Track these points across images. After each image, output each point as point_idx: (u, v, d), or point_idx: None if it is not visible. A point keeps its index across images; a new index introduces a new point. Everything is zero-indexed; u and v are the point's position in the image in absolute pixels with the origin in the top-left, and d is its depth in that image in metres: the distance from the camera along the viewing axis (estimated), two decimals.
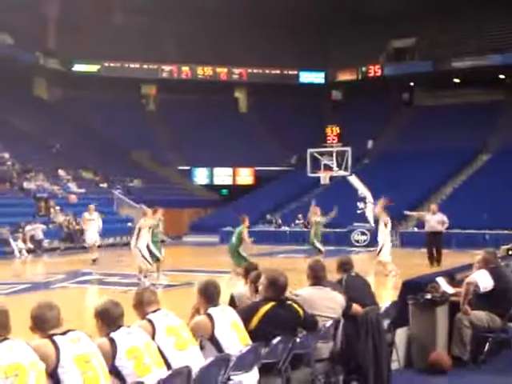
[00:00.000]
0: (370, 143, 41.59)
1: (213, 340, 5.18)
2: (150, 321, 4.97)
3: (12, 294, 14.14)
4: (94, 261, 19.87)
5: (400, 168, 35.00)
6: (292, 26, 42.22)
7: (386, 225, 16.05)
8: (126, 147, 39.96)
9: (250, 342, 5.26)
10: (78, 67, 44.04)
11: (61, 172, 33.32)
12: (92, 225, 20.92)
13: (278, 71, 46.50)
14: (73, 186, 32.43)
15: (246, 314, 5.54)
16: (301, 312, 5.75)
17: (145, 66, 44.92)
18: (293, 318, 5.69)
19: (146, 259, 14.41)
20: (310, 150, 29.05)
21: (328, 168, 28.51)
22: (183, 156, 40.96)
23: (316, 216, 18.02)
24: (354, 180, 27.33)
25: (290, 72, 46.77)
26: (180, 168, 40.86)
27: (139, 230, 14.54)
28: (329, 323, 5.98)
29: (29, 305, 4.47)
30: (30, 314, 4.35)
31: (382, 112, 42.95)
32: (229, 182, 41.57)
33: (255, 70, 46.29)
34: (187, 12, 41.27)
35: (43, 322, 4.32)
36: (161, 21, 42.57)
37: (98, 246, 21.50)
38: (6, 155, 32.38)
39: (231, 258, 15.44)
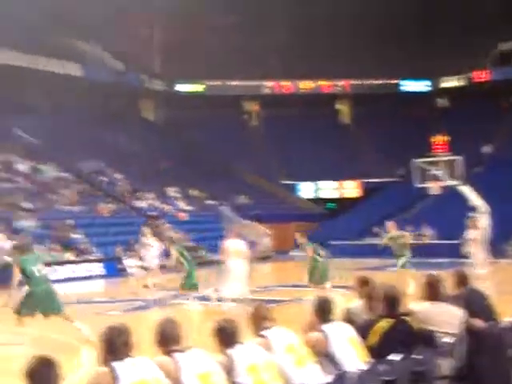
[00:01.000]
0: (484, 149, 40.11)
1: (328, 356, 5.14)
2: (266, 337, 4.98)
3: (129, 311, 14.61)
4: (146, 287, 18.65)
5: None
6: (393, 34, 41.64)
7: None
8: (230, 164, 40.60)
9: (369, 359, 5.17)
10: (182, 87, 45.29)
11: (169, 190, 34.26)
12: (149, 249, 19.72)
13: (381, 81, 45.97)
14: (182, 204, 33.27)
15: (363, 331, 5.46)
16: (418, 328, 5.60)
17: (246, 83, 45.59)
18: (410, 334, 5.55)
19: None
20: (415, 160, 28.45)
21: (436, 178, 27.78)
22: (287, 170, 41.13)
23: (393, 232, 17.35)
24: (465, 189, 26.46)
25: (393, 81, 46.15)
26: (284, 182, 41.05)
27: None
28: (448, 339, 5.78)
29: (146, 322, 4.58)
30: (154, 330, 4.46)
31: (492, 117, 41.46)
32: (335, 195, 41.36)
33: (358, 81, 45.99)
34: (286, 26, 41.59)
35: (165, 339, 4.42)
36: (259, 37, 43.11)
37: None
38: (118, 176, 33.68)
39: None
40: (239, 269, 14.36)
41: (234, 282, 14.24)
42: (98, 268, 24.61)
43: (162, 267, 18.84)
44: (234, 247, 14.62)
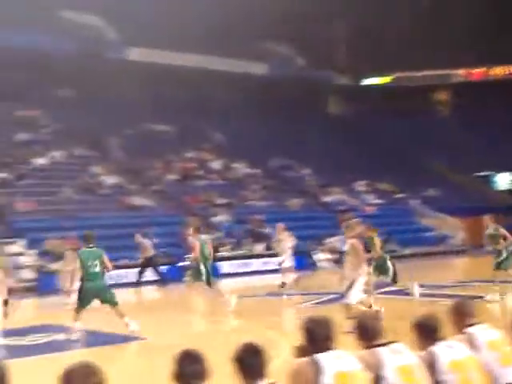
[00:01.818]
0: None
1: None
2: (469, 334, 4.75)
3: (319, 304, 14.71)
4: (283, 285, 18.13)
5: None
6: None
7: None
8: (418, 156, 39.52)
9: None
10: (368, 80, 44.87)
11: (357, 184, 34.10)
12: (281, 246, 18.98)
13: None
14: (370, 198, 32.99)
15: None
16: None
17: (436, 72, 44.14)
18: None
19: None
20: None
21: None
22: (482, 161, 39.20)
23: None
24: None
25: None
26: (477, 174, 39.20)
27: None
28: None
29: (338, 315, 4.53)
30: (356, 324, 4.41)
31: None
32: None
33: None
34: (476, 12, 39.63)
35: (367, 333, 4.35)
36: (448, 22, 41.44)
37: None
38: (306, 171, 34.13)
39: None
40: None
41: None
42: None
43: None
44: None
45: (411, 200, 33.72)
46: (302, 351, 4.20)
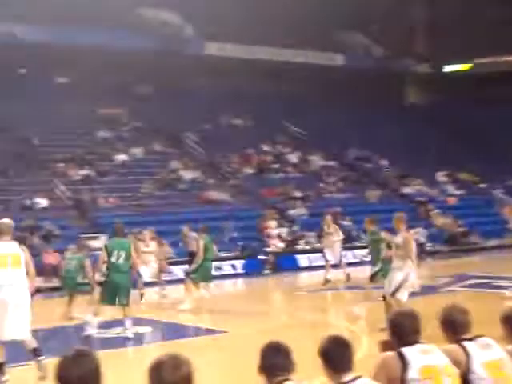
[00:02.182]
0: None
1: None
2: None
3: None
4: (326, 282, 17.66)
5: None
6: None
7: None
8: (502, 144, 38.27)
9: None
10: (447, 68, 43.74)
11: (438, 175, 33.37)
12: (329, 240, 18.29)
13: None
14: (451, 189, 32.24)
15: None
16: None
17: None
18: None
19: None
20: None
21: None
22: None
23: None
24: None
25: None
26: None
27: None
28: None
29: (423, 308, 4.42)
30: (440, 318, 4.31)
31: None
32: None
33: None
34: None
35: (453, 326, 4.23)
36: None
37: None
38: (384, 162, 33.66)
39: None
40: None
41: None
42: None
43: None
44: None
45: (494, 190, 32.73)
46: (388, 345, 4.14)
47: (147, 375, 2.82)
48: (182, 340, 10.80)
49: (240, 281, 21.34)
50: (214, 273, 21.53)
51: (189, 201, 26.38)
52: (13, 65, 31.11)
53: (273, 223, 24.90)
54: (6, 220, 8.79)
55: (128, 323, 10.91)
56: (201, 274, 14.39)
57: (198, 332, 11.47)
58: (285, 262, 23.13)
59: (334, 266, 18.22)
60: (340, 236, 18.14)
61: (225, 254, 22.74)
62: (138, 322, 11.94)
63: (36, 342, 8.43)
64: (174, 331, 11.47)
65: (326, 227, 18.25)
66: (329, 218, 18.44)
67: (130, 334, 10.89)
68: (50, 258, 19.58)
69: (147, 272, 16.32)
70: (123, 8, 31.74)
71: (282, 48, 36.59)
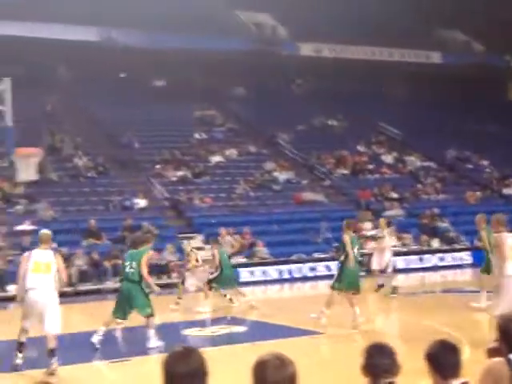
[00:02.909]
0: None
1: None
2: None
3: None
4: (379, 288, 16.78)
5: None
6: None
7: None
8: None
9: None
10: None
11: None
12: (383, 243, 17.20)
13: None
14: None
15: None
16: None
17: None
18: None
19: None
20: None
21: None
22: None
23: None
24: None
25: None
26: None
27: None
28: None
29: None
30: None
31: None
32: None
33: None
34: None
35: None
36: None
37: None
38: (484, 162, 32.54)
39: None
40: None
41: None
42: (466, 257, 24.05)
43: None
44: None
45: None
46: (496, 352, 3.93)
47: (251, 374, 2.77)
48: (278, 340, 10.75)
49: None
50: (308, 274, 21.65)
51: (283, 201, 26.40)
52: (113, 69, 32.14)
53: (368, 224, 24.51)
54: (46, 230, 10.01)
55: (151, 332, 10.67)
56: (222, 282, 14.98)
57: (294, 333, 11.39)
58: None
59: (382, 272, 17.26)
60: (392, 241, 17.36)
61: (319, 255, 22.62)
62: (233, 321, 12.03)
63: (55, 344, 9.12)
64: (269, 331, 11.44)
65: (381, 230, 17.27)
66: (382, 220, 17.71)
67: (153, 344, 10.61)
68: (155, 256, 20.01)
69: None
70: (217, 11, 32.20)
71: (378, 47, 36.08)
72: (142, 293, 10.72)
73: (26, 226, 20.17)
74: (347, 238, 11.95)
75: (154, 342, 10.45)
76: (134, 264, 10.74)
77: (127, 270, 10.77)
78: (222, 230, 20.55)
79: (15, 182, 22.46)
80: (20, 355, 9.25)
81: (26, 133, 23.01)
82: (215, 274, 14.98)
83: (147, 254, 10.99)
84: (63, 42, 28.66)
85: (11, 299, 12.88)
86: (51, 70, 31.20)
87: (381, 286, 16.65)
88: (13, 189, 22.82)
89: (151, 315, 10.56)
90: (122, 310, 10.73)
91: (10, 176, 22.66)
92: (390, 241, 17.16)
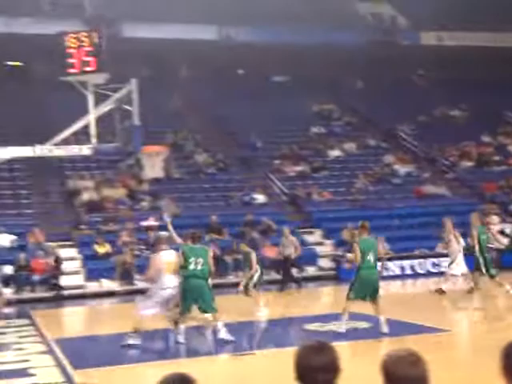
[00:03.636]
0: None
1: None
2: None
3: None
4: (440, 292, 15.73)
5: None
6: None
7: None
8: None
9: None
10: None
11: None
12: (453, 246, 16.06)
13: None
14: None
15: None
16: None
17: None
18: None
19: None
20: None
21: None
22: None
23: None
24: None
25: None
26: None
27: None
28: None
29: None
30: None
31: None
32: None
33: None
34: None
35: None
36: None
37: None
38: None
39: None
40: None
41: None
42: None
43: None
44: None
45: None
46: None
47: (382, 369, 2.68)
48: (403, 337, 10.51)
49: (459, 278, 20.40)
50: (431, 269, 21.10)
51: (403, 195, 25.84)
52: (232, 66, 32.66)
53: (495, 218, 23.52)
54: (164, 233, 11.35)
55: (220, 325, 10.83)
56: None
57: (418, 329, 11.09)
58: (509, 260, 21.72)
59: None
60: (461, 245, 16.03)
61: (443, 251, 21.96)
62: (355, 317, 11.88)
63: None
64: (394, 328, 11.18)
65: (447, 233, 16.35)
66: (448, 223, 16.38)
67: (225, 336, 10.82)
68: (269, 252, 20.21)
69: None
70: (335, 4, 31.96)
71: (500, 33, 34.55)
72: (210, 289, 10.99)
73: (150, 222, 20.89)
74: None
75: (224, 333, 10.68)
76: (201, 260, 10.77)
77: (193, 266, 10.74)
78: (285, 229, 19.82)
79: (141, 179, 23.29)
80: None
81: (150, 131, 23.79)
82: (254, 279, 14.30)
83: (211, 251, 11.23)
84: (184, 42, 29.40)
85: (139, 292, 13.35)
86: (173, 69, 32.12)
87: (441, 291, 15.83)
88: (138, 186, 23.72)
89: (216, 311, 10.82)
90: (189, 306, 10.85)
91: (136, 173, 23.53)
92: (456, 244, 16.07)
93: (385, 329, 10.69)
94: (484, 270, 14.64)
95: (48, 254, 19.58)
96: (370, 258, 10.92)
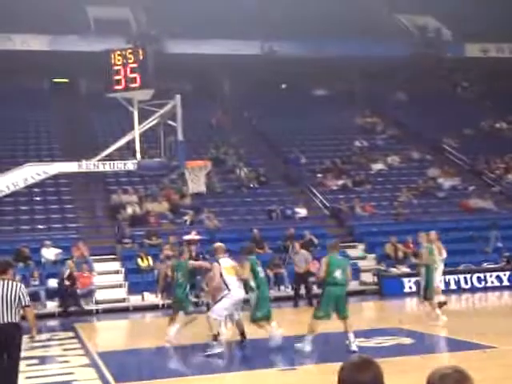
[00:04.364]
0: None
1: None
2: None
3: None
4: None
5: None
6: None
7: None
8: None
9: None
10: None
11: None
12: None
13: None
14: None
15: None
16: None
17: None
18: None
19: None
20: None
21: None
22: None
23: None
24: None
25: None
26: None
27: None
28: None
29: None
30: None
31: None
32: None
33: None
34: None
35: None
36: None
37: None
38: None
39: None
40: None
41: None
42: None
43: None
44: None
45: None
46: None
47: None
48: (448, 353, 10.30)
49: (506, 294, 19.97)
50: (477, 284, 20.69)
51: (448, 209, 25.45)
52: (274, 81, 32.74)
53: None
54: (220, 243, 12.62)
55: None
56: None
57: (464, 346, 10.84)
58: None
59: None
60: (442, 255, 15.29)
61: (489, 266, 21.57)
62: (400, 332, 11.69)
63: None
64: (438, 344, 10.99)
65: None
66: (432, 234, 15.16)
67: (354, 346, 10.78)
68: (311, 266, 20.03)
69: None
70: (378, 16, 31.84)
71: None
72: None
73: (192, 236, 20.95)
74: None
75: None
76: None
77: (337, 274, 10.94)
78: (296, 244, 19.52)
79: (184, 193, 23.40)
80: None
81: (193, 146, 23.94)
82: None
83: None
84: (227, 57, 29.62)
85: None
86: (216, 84, 32.36)
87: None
88: (181, 200, 23.85)
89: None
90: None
91: (179, 188, 23.67)
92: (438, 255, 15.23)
93: (354, 347, 10.75)
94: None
95: (92, 267, 19.82)
96: (337, 275, 11.02)
